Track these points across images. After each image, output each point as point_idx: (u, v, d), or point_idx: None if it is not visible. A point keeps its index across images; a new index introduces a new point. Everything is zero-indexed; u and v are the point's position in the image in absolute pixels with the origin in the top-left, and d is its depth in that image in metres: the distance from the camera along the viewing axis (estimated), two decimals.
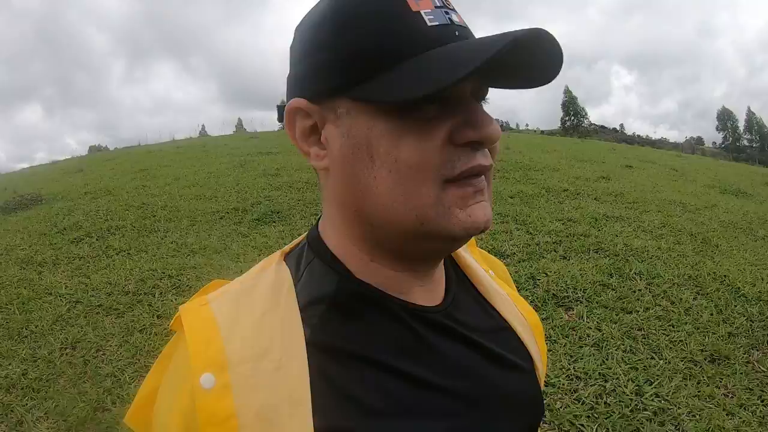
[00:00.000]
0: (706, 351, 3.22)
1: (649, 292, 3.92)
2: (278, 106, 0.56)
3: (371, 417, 0.48)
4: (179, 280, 3.81)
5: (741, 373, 3.06)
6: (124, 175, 8.62)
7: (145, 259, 4.32)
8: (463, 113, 0.48)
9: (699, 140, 66.14)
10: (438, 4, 0.48)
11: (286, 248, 0.60)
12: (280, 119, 0.55)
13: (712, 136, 66.02)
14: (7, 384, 2.74)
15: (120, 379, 2.71)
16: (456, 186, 0.48)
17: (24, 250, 4.81)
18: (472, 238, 0.64)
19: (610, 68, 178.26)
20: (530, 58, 0.48)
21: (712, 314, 3.68)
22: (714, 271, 4.32)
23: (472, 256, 0.71)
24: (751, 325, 3.56)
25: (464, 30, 0.49)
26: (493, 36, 0.45)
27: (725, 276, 4.22)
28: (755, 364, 3.19)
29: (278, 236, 4.67)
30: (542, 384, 0.66)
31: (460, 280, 0.65)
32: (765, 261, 4.80)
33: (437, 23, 0.47)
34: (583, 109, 53.22)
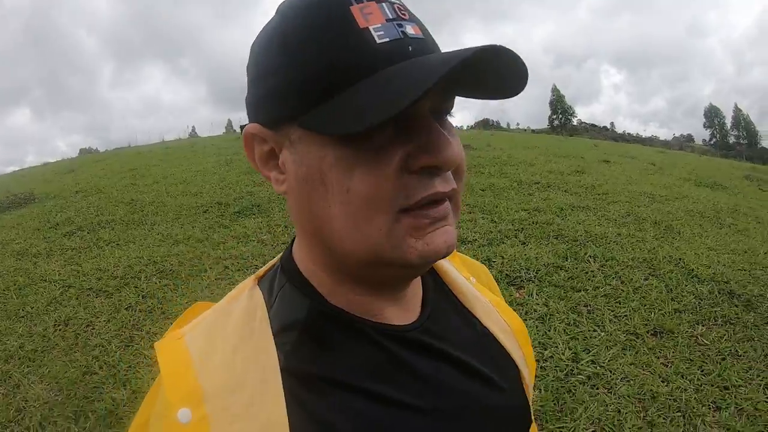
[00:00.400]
0: (649, 325, 3.41)
1: (602, 273, 4.12)
2: (241, 127, 0.55)
3: None
4: (163, 265, 4.14)
5: (683, 346, 3.25)
6: (114, 175, 8.92)
7: (133, 248, 4.65)
8: (419, 136, 0.46)
9: (689, 138, 66.45)
10: (390, 16, 0.46)
11: (260, 272, 0.60)
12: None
13: (702, 133, 66.42)
14: (5, 356, 3.06)
15: (107, 348, 3.04)
16: (411, 216, 0.47)
17: (19, 244, 5.13)
18: None
19: (600, 67, 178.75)
20: (493, 72, 0.47)
21: (661, 293, 3.89)
22: (670, 255, 4.56)
23: (452, 264, 0.70)
24: (699, 302, 3.77)
25: (420, 42, 0.46)
26: (443, 54, 0.44)
27: (681, 259, 4.47)
28: (698, 337, 3.40)
29: (256, 227, 5.00)
30: (530, 388, 0.66)
31: (438, 289, 0.64)
32: (725, 246, 5.05)
33: (387, 39, 0.45)
34: (570, 107, 53.73)
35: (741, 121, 61.35)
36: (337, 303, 0.54)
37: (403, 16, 0.46)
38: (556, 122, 53.64)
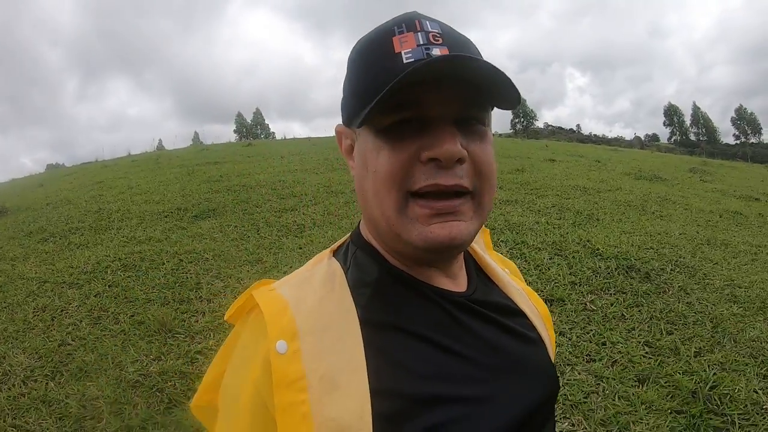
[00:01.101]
0: (543, 295, 3.75)
1: (509, 255, 4.54)
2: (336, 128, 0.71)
3: (416, 379, 0.57)
4: (126, 261, 4.78)
5: (570, 311, 3.61)
6: (82, 188, 9.49)
7: (101, 249, 5.28)
8: (430, 134, 0.57)
9: (654, 137, 67.82)
10: (421, 42, 0.58)
11: (334, 246, 0.72)
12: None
13: (666, 132, 68.00)
14: None
15: (78, 326, 3.69)
16: (419, 204, 0.58)
17: None
18: (489, 242, 0.85)
19: (564, 71, 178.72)
20: (487, 83, 0.57)
21: (562, 269, 4.30)
22: (581, 238, 5.00)
23: (490, 257, 0.81)
24: (596, 276, 4.18)
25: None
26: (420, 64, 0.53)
27: (589, 240, 4.91)
28: (587, 304, 3.78)
29: (210, 227, 5.68)
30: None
31: (480, 273, 0.76)
32: (641, 229, 5.54)
33: (412, 59, 0.56)
34: (532, 111, 54.82)
35: (699, 118, 63.24)
36: (400, 267, 0.65)
37: (435, 42, 0.58)
38: (518, 126, 54.69)
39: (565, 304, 3.77)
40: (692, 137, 63.12)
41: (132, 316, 3.73)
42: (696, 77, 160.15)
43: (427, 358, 0.59)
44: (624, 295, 3.93)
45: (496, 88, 0.58)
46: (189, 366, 3.03)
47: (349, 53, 0.66)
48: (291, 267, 4.18)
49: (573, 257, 4.55)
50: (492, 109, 0.64)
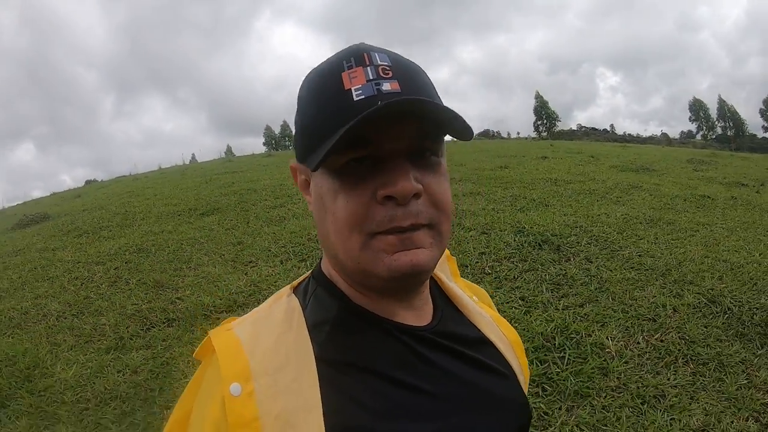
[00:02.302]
0: None
1: None
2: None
3: (374, 417, 0.58)
4: (142, 246, 6.11)
5: (468, 275, 4.02)
6: (114, 196, 10.99)
7: (123, 239, 6.63)
8: (384, 172, 0.58)
9: (689, 134, 66.58)
10: (371, 77, 0.59)
11: (295, 283, 0.74)
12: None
13: (693, 128, 66.98)
14: (43, 295, 5.03)
15: (99, 287, 4.99)
16: (381, 240, 0.59)
17: (40, 244, 7.13)
18: (456, 270, 0.88)
19: (595, 70, 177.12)
20: (433, 118, 0.59)
21: (479, 243, 4.79)
22: (514, 219, 5.49)
23: (457, 285, 0.83)
24: (506, 248, 4.67)
25: (392, 96, 0.58)
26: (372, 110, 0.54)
27: (519, 221, 5.41)
28: (485, 268, 4.29)
29: (211, 222, 6.99)
30: (525, 393, 0.77)
31: (446, 303, 0.77)
32: (580, 213, 6.02)
33: (363, 96, 0.57)
34: (554, 112, 54.88)
35: (726, 111, 61.99)
36: (360, 304, 0.67)
37: (384, 76, 0.59)
38: (541, 128, 54.92)
39: (466, 269, 4.29)
40: (719, 131, 62.21)
41: (139, 279, 5.01)
42: (730, 70, 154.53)
43: (386, 395, 0.60)
44: (524, 262, 4.37)
45: (449, 122, 0.60)
46: (170, 305, 4.27)
47: (299, 87, 0.67)
48: (262, 246, 5.44)
49: (496, 234, 5.06)
50: (445, 136, 0.64)
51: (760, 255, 4.72)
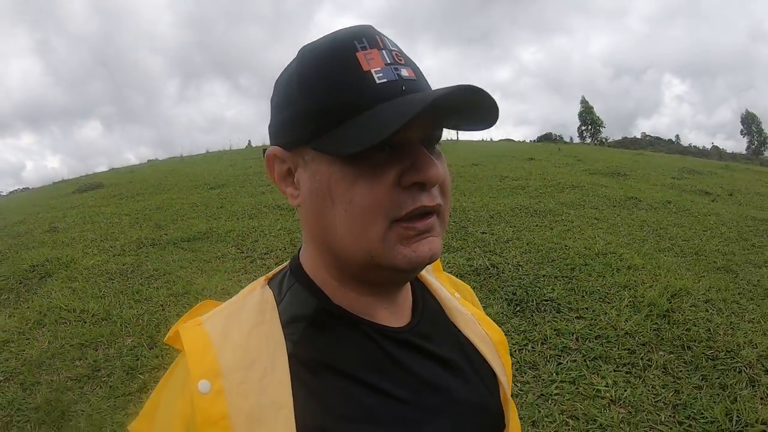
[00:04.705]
0: None
1: None
2: (263, 150, 0.67)
3: (342, 421, 0.57)
4: (158, 206, 8.67)
5: None
6: (158, 173, 13.84)
7: (148, 202, 9.22)
8: (410, 158, 0.58)
9: (758, 150, 64.07)
10: (388, 61, 0.58)
11: (270, 274, 0.72)
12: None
13: (744, 143, 64.35)
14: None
15: (122, 226, 7.58)
16: (401, 227, 0.58)
17: (91, 202, 9.86)
18: (438, 264, 0.85)
19: (661, 77, 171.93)
20: (467, 106, 0.58)
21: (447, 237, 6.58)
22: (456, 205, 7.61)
23: (438, 281, 0.82)
24: (463, 232, 5.91)
25: (412, 83, 0.59)
26: (425, 94, 0.56)
27: (465, 208, 6.81)
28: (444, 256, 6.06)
29: (219, 193, 9.56)
30: (508, 395, 0.76)
31: (426, 301, 0.75)
32: (497, 201, 7.14)
33: (385, 80, 0.57)
34: (599, 118, 54.08)
35: None
36: (339, 303, 0.65)
37: (399, 61, 0.59)
38: (585, 134, 54.81)
39: None
40: None
41: (147, 224, 7.51)
42: None
43: (358, 399, 0.60)
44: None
45: (478, 115, 0.60)
46: (162, 236, 6.73)
47: (287, 67, 0.65)
48: (239, 207, 7.89)
49: (455, 231, 6.00)
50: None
51: (573, 241, 5.78)
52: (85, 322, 4.30)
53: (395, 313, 0.69)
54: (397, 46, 0.62)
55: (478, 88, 0.55)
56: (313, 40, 0.65)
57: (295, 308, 0.65)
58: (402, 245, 0.59)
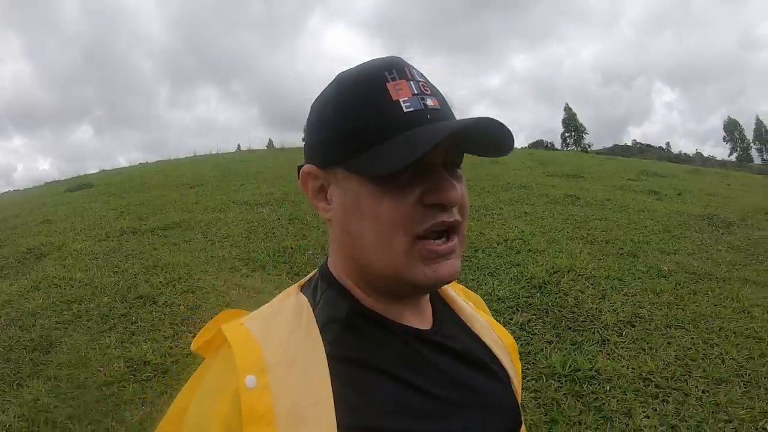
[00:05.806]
0: None
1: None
2: (298, 168, 0.73)
3: (381, 415, 0.61)
4: (142, 202, 9.75)
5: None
6: (147, 173, 14.87)
7: (133, 199, 10.26)
8: (432, 180, 0.63)
9: (746, 157, 64.32)
10: (416, 92, 0.64)
11: (302, 282, 0.77)
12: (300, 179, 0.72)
13: (727, 150, 64.98)
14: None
15: (109, 218, 8.67)
16: (425, 249, 0.64)
17: (81, 200, 10.91)
18: None
19: (651, 85, 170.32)
20: (485, 136, 0.65)
21: None
22: None
23: (453, 291, 0.87)
24: None
25: (437, 112, 0.64)
26: (448, 123, 0.63)
27: None
28: None
29: (192, 191, 10.67)
30: (519, 398, 0.81)
31: (445, 307, 0.82)
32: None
33: (412, 109, 0.63)
34: (582, 125, 55.09)
35: (763, 133, 61.03)
36: (370, 306, 0.70)
37: (425, 92, 0.65)
38: (569, 140, 55.46)
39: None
40: (753, 153, 61.16)
41: (131, 216, 8.56)
42: None
43: (393, 394, 0.63)
44: None
45: (495, 144, 0.67)
46: (142, 225, 7.81)
47: (323, 90, 0.71)
48: (213, 203, 8.99)
49: None
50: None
51: (490, 230, 6.69)
52: (72, 287, 5.37)
53: (420, 318, 0.74)
54: (424, 76, 0.68)
55: (496, 120, 0.62)
56: (349, 67, 0.71)
57: (330, 311, 0.69)
58: (424, 264, 0.65)
